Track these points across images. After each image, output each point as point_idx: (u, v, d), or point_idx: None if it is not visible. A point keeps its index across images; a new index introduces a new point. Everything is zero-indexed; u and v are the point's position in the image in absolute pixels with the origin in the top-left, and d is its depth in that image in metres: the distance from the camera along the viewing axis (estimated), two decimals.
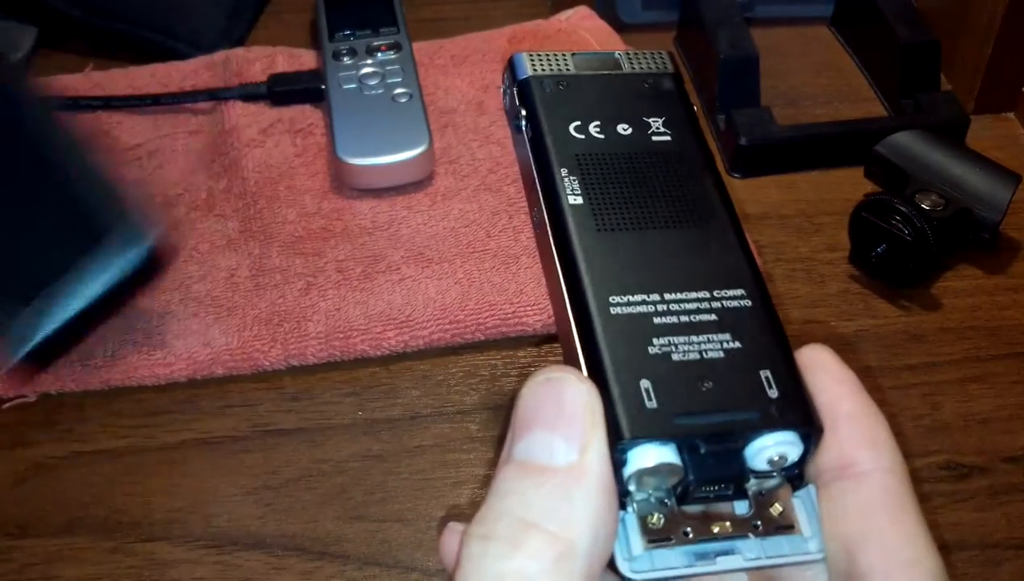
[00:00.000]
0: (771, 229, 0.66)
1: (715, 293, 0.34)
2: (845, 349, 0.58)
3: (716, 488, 0.31)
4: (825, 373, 0.33)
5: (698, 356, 0.32)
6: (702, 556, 0.31)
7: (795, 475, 0.32)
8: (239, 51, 0.76)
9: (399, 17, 0.73)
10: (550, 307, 0.57)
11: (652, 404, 0.31)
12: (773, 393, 0.31)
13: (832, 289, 0.62)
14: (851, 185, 0.67)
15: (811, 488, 0.32)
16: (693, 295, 0.33)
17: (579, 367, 0.32)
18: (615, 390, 0.31)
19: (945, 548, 0.50)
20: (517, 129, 0.38)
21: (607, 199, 0.36)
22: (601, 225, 0.35)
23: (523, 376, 0.57)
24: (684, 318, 0.33)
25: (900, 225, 0.59)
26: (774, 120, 0.71)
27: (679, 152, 0.37)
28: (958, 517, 0.51)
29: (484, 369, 0.57)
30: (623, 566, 0.30)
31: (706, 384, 0.31)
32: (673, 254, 0.35)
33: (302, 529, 0.50)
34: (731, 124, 0.71)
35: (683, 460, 0.30)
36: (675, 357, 0.32)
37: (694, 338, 0.32)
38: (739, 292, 0.34)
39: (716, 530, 0.31)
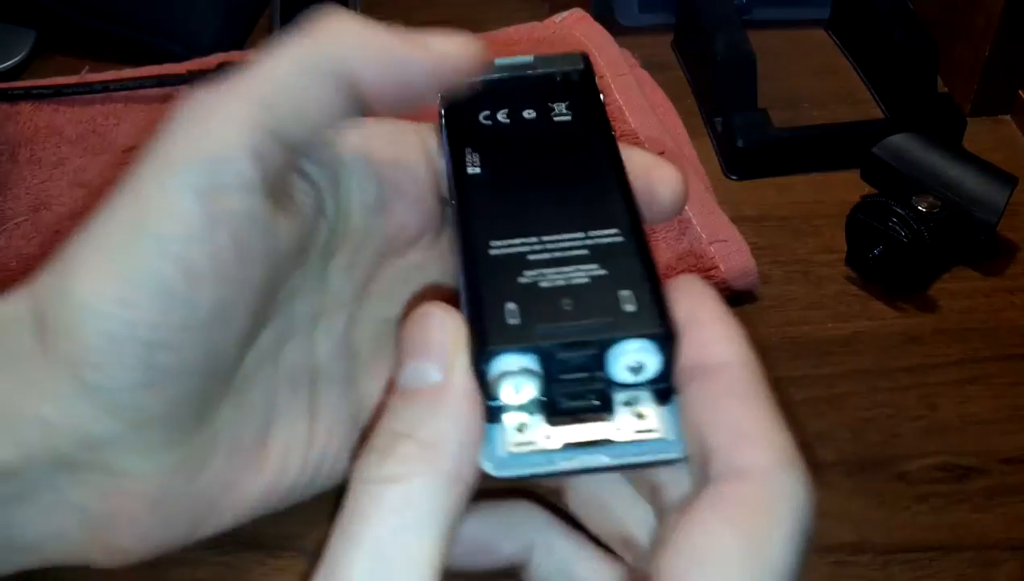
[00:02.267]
0: (768, 231, 0.66)
1: (590, 233, 0.36)
2: (842, 351, 0.59)
3: (581, 401, 0.34)
4: (687, 293, 0.35)
5: (564, 282, 0.35)
6: (565, 457, 0.33)
7: (662, 388, 0.34)
8: (236, 54, 0.75)
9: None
10: None
11: (515, 321, 0.34)
12: (631, 307, 0.34)
13: (829, 291, 0.62)
14: (848, 187, 0.67)
15: (676, 400, 0.34)
16: (568, 235, 0.36)
17: (463, 304, 0.35)
18: (482, 312, 0.34)
19: (942, 549, 0.50)
20: (439, 129, 0.41)
21: (502, 167, 0.39)
22: (493, 188, 0.38)
23: None
24: (557, 254, 0.36)
25: (897, 227, 0.59)
26: (771, 122, 0.71)
27: (578, 128, 0.40)
28: (955, 518, 0.51)
29: None
30: (487, 466, 0.33)
31: (568, 303, 0.34)
32: (556, 204, 0.38)
33: (302, 530, 0.50)
34: (728, 126, 0.71)
35: (545, 369, 0.33)
36: (542, 284, 0.35)
37: (564, 269, 0.35)
38: (613, 231, 0.36)
39: (580, 435, 0.34)
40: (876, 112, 0.77)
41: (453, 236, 0.39)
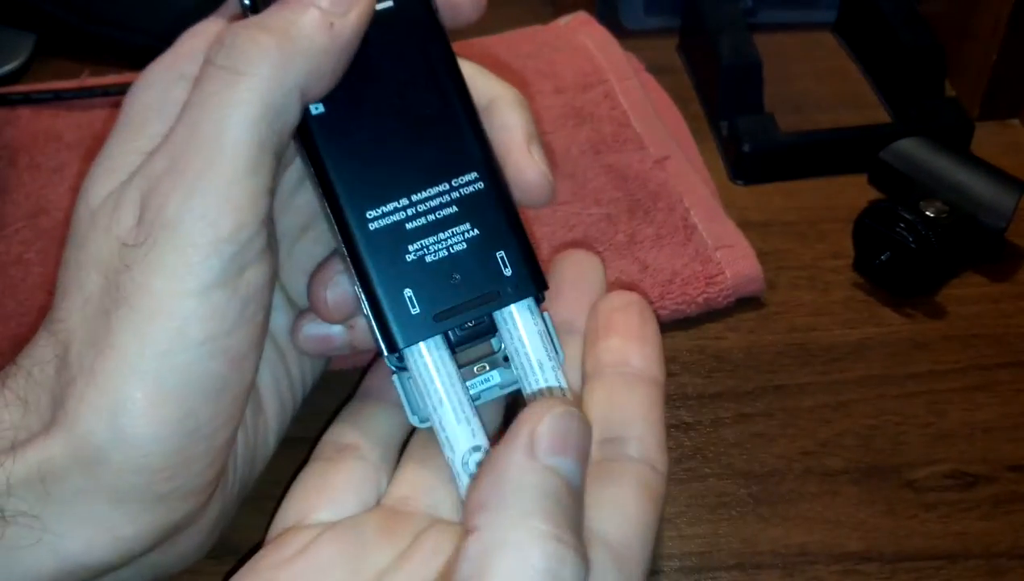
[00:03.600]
0: (774, 236, 0.66)
1: (452, 182, 0.40)
2: (849, 357, 0.58)
3: (474, 341, 0.42)
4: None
5: (446, 253, 0.40)
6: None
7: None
8: None
9: None
10: None
11: (416, 310, 0.39)
12: (508, 271, 0.40)
13: (836, 297, 0.62)
14: (855, 192, 0.66)
15: (546, 315, 0.42)
16: (434, 190, 0.40)
17: (356, 284, 0.40)
18: (385, 305, 0.39)
19: (950, 558, 0.49)
20: None
21: (343, 100, 0.40)
22: (343, 132, 0.40)
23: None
24: (431, 217, 0.40)
25: (904, 232, 0.58)
26: (777, 127, 0.71)
27: (415, 52, 0.42)
28: (963, 526, 0.51)
29: None
30: (413, 420, 0.42)
31: (456, 277, 0.40)
32: (410, 146, 0.41)
33: None
34: (734, 131, 0.71)
35: (448, 337, 0.40)
36: (428, 259, 0.40)
37: (441, 235, 0.40)
38: (472, 176, 0.41)
39: (477, 372, 0.42)
40: (883, 116, 0.76)
41: (318, 196, 0.41)
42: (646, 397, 0.40)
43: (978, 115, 0.75)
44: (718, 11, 0.76)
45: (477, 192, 0.40)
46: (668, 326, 0.59)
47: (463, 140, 0.41)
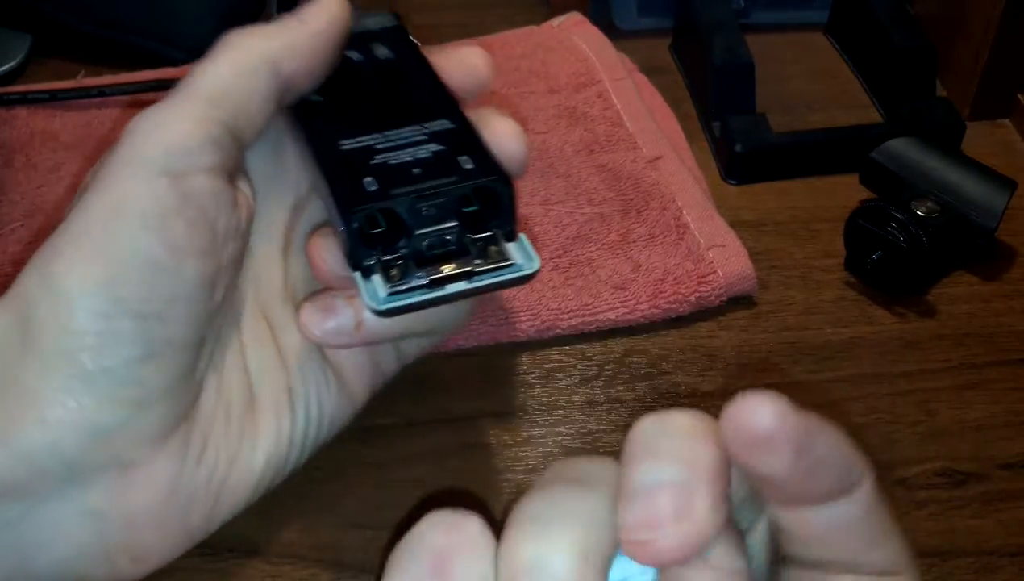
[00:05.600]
0: (767, 236, 0.66)
1: (425, 125, 0.43)
2: (840, 355, 0.58)
3: (442, 249, 0.41)
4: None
5: (411, 159, 0.41)
6: (433, 289, 0.41)
7: (508, 230, 0.42)
8: None
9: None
10: (542, 314, 0.58)
11: (373, 187, 0.40)
12: (470, 165, 0.41)
13: (828, 296, 0.62)
14: (847, 192, 0.67)
15: (522, 237, 0.42)
16: (407, 129, 0.43)
17: (328, 195, 0.41)
18: (342, 187, 0.41)
19: (941, 555, 0.50)
20: None
21: (337, 90, 0.45)
22: (334, 106, 0.45)
23: (516, 384, 0.57)
24: (400, 141, 0.42)
25: (895, 232, 0.59)
26: (769, 127, 0.71)
27: (396, 60, 0.48)
28: (953, 524, 0.51)
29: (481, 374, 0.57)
30: (371, 305, 0.40)
31: (417, 172, 0.41)
32: (391, 109, 0.44)
33: (299, 537, 0.50)
34: (726, 131, 0.71)
35: (405, 222, 0.40)
36: (392, 161, 0.41)
37: (408, 150, 0.42)
38: (444, 121, 0.43)
39: (445, 270, 0.41)
40: (875, 116, 0.77)
41: (306, 150, 0.44)
42: None
43: (969, 115, 0.75)
44: (711, 12, 0.76)
45: (447, 128, 0.43)
46: (660, 325, 0.60)
47: (435, 99, 0.45)
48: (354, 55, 0.47)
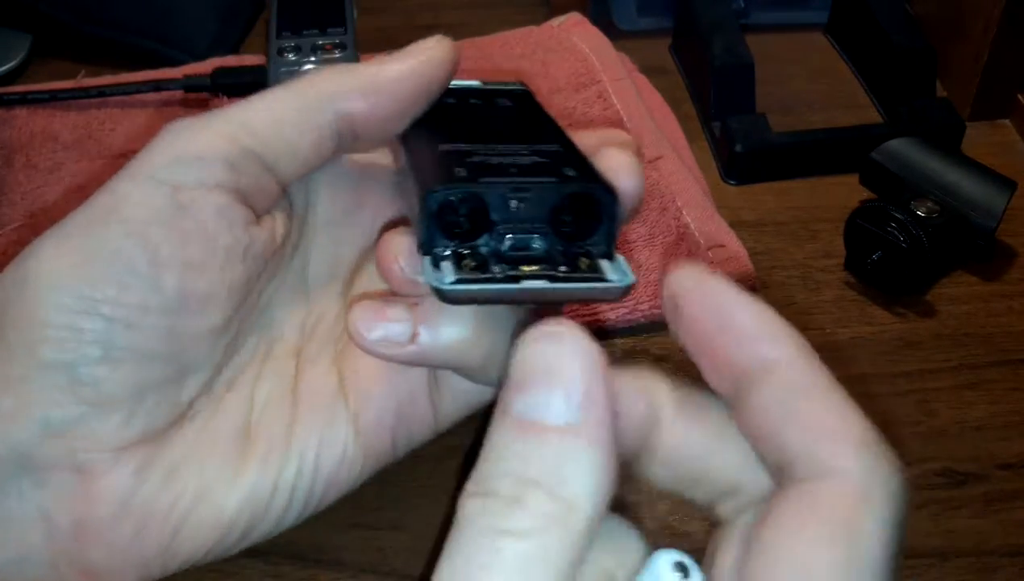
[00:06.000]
0: (767, 236, 0.66)
1: (532, 146, 0.40)
2: (840, 355, 0.59)
3: (527, 251, 0.37)
4: (703, 289, 0.35)
5: (511, 161, 0.38)
6: (509, 283, 0.36)
7: (604, 252, 0.38)
8: (231, 58, 0.76)
9: (348, 18, 0.73)
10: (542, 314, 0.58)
11: (462, 173, 0.37)
12: (572, 173, 0.37)
13: (828, 296, 0.62)
14: (847, 192, 0.67)
15: (620, 258, 0.38)
16: (513, 145, 0.39)
17: (411, 184, 0.38)
18: (427, 173, 0.37)
19: (940, 555, 0.50)
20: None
21: (451, 121, 0.43)
22: (442, 130, 0.42)
23: None
24: (503, 151, 0.39)
25: (895, 232, 0.59)
26: (769, 127, 0.71)
27: (518, 109, 0.45)
28: (953, 524, 0.51)
29: None
30: (435, 284, 0.36)
31: (514, 169, 0.37)
32: (501, 134, 0.42)
33: (298, 537, 0.50)
34: (726, 131, 0.71)
35: (492, 213, 0.36)
36: (491, 161, 0.38)
37: (510, 157, 0.38)
38: (553, 144, 0.40)
39: (525, 269, 0.36)
40: (875, 116, 0.77)
41: (405, 166, 0.41)
42: None
43: (969, 115, 0.75)
44: (710, 12, 0.76)
45: (554, 149, 0.40)
46: (661, 326, 0.59)
47: (552, 132, 0.42)
48: (476, 100, 0.46)
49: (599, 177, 0.38)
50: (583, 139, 0.42)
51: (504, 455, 0.29)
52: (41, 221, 0.63)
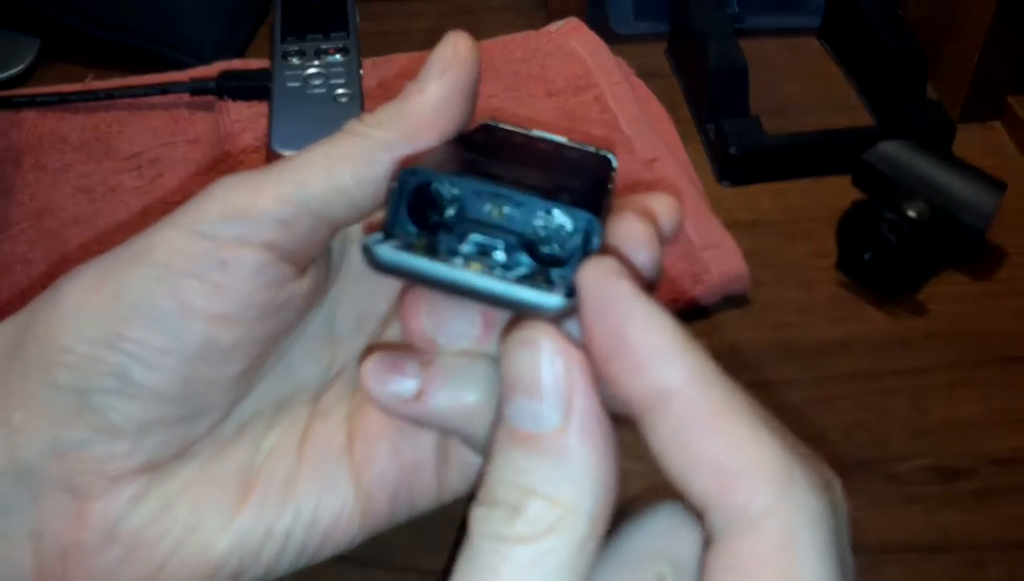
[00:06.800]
0: (761, 236, 0.67)
1: (556, 177, 0.37)
2: (833, 354, 0.59)
3: (483, 251, 0.34)
4: (602, 297, 0.31)
5: (516, 176, 0.35)
6: (450, 265, 0.33)
7: (568, 286, 0.32)
8: (237, 62, 0.76)
9: (351, 23, 0.73)
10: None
11: (453, 166, 0.35)
12: (566, 196, 0.34)
13: (820, 295, 0.63)
14: (839, 193, 0.67)
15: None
16: (537, 172, 0.37)
17: None
18: (427, 160, 0.35)
19: (932, 550, 0.51)
20: None
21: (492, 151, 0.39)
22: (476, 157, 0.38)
23: None
24: (522, 169, 0.36)
25: (887, 232, 0.59)
26: (763, 129, 0.72)
27: (575, 157, 0.41)
28: (944, 520, 0.52)
29: None
30: (368, 240, 0.34)
31: (506, 179, 0.34)
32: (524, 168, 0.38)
33: None
34: (721, 133, 0.72)
35: (464, 200, 0.34)
36: (493, 168, 0.35)
37: (521, 173, 0.35)
38: (577, 182, 0.37)
39: (471, 264, 0.33)
40: (867, 119, 0.77)
41: None
42: None
43: (960, 117, 0.76)
44: (706, 17, 0.77)
45: (572, 185, 0.37)
46: None
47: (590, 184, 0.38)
48: (546, 149, 0.42)
49: (594, 204, 0.34)
50: (626, 201, 0.39)
51: (502, 464, 0.30)
52: (48, 222, 0.64)
